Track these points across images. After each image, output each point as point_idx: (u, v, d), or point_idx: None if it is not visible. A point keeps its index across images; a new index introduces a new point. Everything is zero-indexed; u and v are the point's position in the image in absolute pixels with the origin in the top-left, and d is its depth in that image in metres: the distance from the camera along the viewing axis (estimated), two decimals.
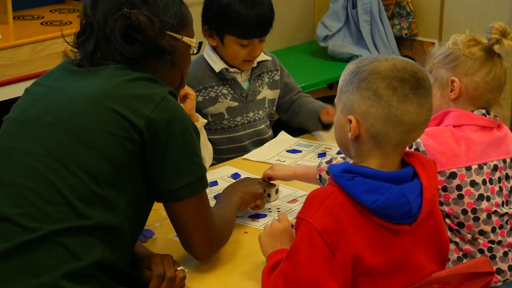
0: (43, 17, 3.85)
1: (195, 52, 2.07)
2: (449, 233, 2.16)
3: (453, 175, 2.15)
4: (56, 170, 1.82)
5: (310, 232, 1.70)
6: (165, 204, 1.95)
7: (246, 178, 2.37)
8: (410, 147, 2.14)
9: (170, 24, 1.95)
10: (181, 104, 2.28)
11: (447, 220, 2.17)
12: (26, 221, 1.79)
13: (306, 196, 2.42)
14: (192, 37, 2.04)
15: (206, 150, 2.56)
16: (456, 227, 2.17)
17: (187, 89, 2.45)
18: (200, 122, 2.50)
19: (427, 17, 4.84)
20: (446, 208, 2.17)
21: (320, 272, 1.69)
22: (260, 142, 2.96)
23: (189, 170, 1.89)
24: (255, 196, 2.28)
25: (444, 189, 2.16)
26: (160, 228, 2.22)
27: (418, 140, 2.14)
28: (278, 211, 2.37)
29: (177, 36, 1.98)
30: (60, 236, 1.78)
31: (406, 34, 4.88)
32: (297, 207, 2.40)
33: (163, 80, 1.94)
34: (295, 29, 5.17)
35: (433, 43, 4.82)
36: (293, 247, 1.74)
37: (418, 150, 2.13)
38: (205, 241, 1.97)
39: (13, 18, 3.70)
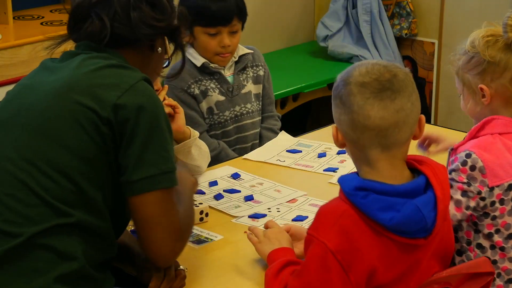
0: (43, 17, 3.85)
1: (165, 65, 2.06)
2: (489, 252, 2.12)
3: (510, 187, 2.10)
4: (28, 172, 1.79)
5: (324, 253, 1.67)
6: (126, 197, 1.82)
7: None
8: (465, 164, 2.06)
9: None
10: (172, 122, 2.27)
11: (495, 237, 2.11)
12: (8, 227, 1.77)
13: (305, 196, 2.44)
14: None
15: (203, 158, 2.56)
16: (502, 244, 2.11)
17: (173, 102, 2.45)
18: (192, 137, 2.49)
19: (427, 17, 4.84)
20: (499, 221, 2.10)
21: None
22: (244, 140, 2.99)
23: (152, 162, 1.79)
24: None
25: (501, 202, 2.09)
26: None
27: (474, 156, 2.06)
28: (278, 211, 2.36)
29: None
30: (43, 237, 1.76)
31: (406, 34, 4.88)
32: (297, 207, 2.40)
33: (142, 65, 1.92)
34: (295, 29, 5.17)
35: (433, 43, 4.82)
36: (305, 266, 1.71)
37: (475, 167, 2.05)
38: (166, 243, 1.83)
39: (13, 18, 3.70)
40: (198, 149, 2.53)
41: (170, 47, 2.03)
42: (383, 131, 1.69)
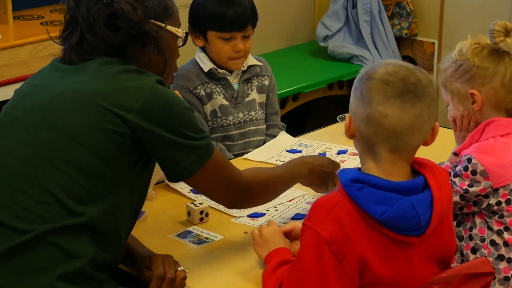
0: (43, 17, 3.85)
1: (182, 44, 2.06)
2: (503, 249, 2.14)
3: None
4: (43, 168, 1.80)
5: (318, 241, 1.68)
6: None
7: (323, 158, 2.35)
8: (466, 169, 2.11)
9: (153, 10, 1.94)
10: None
11: (505, 235, 2.14)
12: (17, 223, 1.78)
13: (304, 196, 2.44)
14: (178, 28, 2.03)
15: None
16: None
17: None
18: None
19: (427, 17, 4.84)
20: (507, 220, 2.14)
21: (328, 281, 1.68)
22: (248, 145, 2.98)
23: (191, 147, 1.88)
24: (323, 178, 2.29)
25: (508, 201, 2.13)
26: (150, 205, 2.27)
27: (474, 160, 2.11)
28: (275, 210, 2.37)
29: (161, 24, 1.96)
30: (52, 236, 1.77)
31: (406, 34, 4.88)
32: (294, 205, 2.40)
33: (148, 67, 1.93)
34: (295, 29, 5.17)
35: (433, 43, 4.83)
36: (300, 256, 1.72)
37: (476, 172, 2.10)
38: (228, 197, 2.02)
39: (13, 18, 3.70)
40: None
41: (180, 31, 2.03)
42: (396, 133, 1.70)
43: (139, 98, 1.83)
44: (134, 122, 1.82)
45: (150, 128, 1.83)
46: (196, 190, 2.05)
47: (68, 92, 1.86)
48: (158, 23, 1.96)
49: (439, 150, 2.35)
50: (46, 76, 1.96)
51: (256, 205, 2.18)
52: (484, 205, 2.14)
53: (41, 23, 3.75)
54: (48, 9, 3.96)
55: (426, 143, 1.76)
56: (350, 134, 1.77)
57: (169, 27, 1.98)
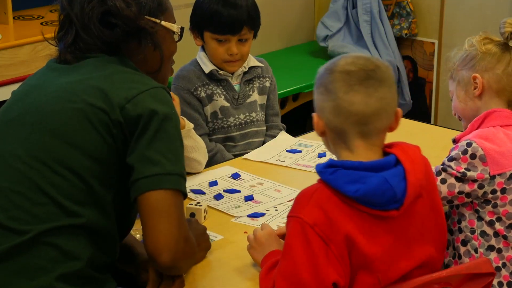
0: (43, 17, 3.85)
1: (178, 39, 2.06)
2: (493, 240, 2.16)
3: None
4: (39, 170, 1.80)
5: (302, 227, 1.73)
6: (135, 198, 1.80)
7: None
8: (465, 153, 2.12)
9: (147, 6, 1.94)
10: None
11: (497, 225, 2.15)
12: (14, 224, 1.78)
13: None
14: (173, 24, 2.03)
15: (199, 152, 2.57)
16: (504, 233, 2.15)
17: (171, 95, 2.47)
18: (186, 128, 2.52)
19: (427, 17, 4.85)
20: (500, 210, 2.14)
21: (319, 264, 1.71)
22: (248, 146, 2.98)
23: (156, 161, 1.78)
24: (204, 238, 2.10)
25: (503, 191, 2.14)
26: None
27: (474, 144, 2.12)
28: (275, 210, 2.37)
29: (156, 20, 1.96)
30: (50, 236, 1.77)
31: (406, 34, 4.88)
32: None
33: (144, 63, 1.93)
34: (295, 29, 5.17)
35: (433, 43, 4.83)
36: (287, 245, 1.75)
37: (476, 155, 2.11)
38: (173, 235, 1.78)
39: (13, 18, 3.70)
40: (194, 142, 2.55)
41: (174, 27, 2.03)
42: (365, 118, 1.77)
43: (127, 96, 1.81)
44: (118, 120, 1.80)
45: (129, 129, 1.80)
46: (141, 216, 1.79)
47: (61, 92, 1.86)
48: (153, 19, 1.96)
49: (439, 150, 2.36)
50: (42, 76, 1.96)
51: (185, 270, 1.93)
52: (479, 195, 2.13)
53: (41, 23, 3.75)
54: (48, 9, 3.94)
55: (391, 129, 1.83)
56: (321, 131, 1.82)
57: (163, 23, 1.99)
